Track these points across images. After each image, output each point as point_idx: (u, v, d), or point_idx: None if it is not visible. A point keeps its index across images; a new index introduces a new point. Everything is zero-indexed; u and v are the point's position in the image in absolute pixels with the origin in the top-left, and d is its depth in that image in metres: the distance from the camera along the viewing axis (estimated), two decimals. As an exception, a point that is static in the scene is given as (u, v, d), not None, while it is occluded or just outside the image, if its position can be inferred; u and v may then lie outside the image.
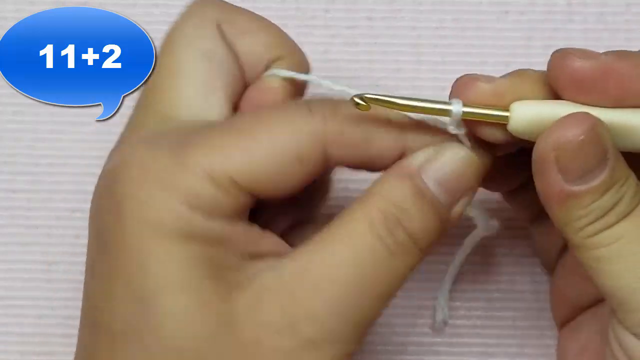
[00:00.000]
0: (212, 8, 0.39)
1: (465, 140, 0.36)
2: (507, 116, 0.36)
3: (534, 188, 0.36)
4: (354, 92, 0.36)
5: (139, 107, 0.39)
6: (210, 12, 0.39)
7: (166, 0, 0.49)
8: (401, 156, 0.37)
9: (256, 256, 0.36)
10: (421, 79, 0.49)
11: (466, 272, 0.47)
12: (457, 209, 0.37)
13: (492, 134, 0.36)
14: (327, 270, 0.35)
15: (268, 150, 0.35)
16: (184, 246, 0.34)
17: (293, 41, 0.40)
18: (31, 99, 0.48)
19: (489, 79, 0.36)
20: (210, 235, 0.35)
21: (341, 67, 0.48)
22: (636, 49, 0.49)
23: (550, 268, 0.43)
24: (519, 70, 0.37)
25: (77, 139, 0.48)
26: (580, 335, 0.41)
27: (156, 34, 0.49)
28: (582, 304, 0.41)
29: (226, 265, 0.35)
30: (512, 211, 0.47)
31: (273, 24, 0.40)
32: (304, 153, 0.36)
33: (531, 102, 0.36)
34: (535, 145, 0.35)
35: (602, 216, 0.35)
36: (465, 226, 0.44)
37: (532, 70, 0.37)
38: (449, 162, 0.36)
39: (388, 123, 0.36)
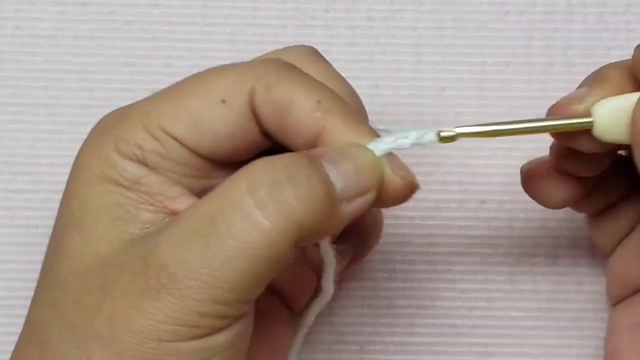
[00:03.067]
0: (294, 52, 0.40)
1: (385, 149, 0.35)
2: (590, 121, 0.36)
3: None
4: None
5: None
6: (288, 55, 0.39)
7: (166, 0, 0.49)
8: (316, 139, 0.35)
9: (172, 214, 0.36)
10: (421, 79, 0.49)
11: (466, 272, 0.47)
12: (350, 206, 0.35)
13: (583, 144, 0.37)
14: (187, 218, 0.34)
15: (194, 97, 0.36)
16: (100, 187, 0.36)
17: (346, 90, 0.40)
18: (31, 98, 0.48)
19: (578, 98, 0.37)
20: (127, 177, 0.36)
21: (341, 67, 0.48)
22: (636, 49, 0.49)
23: (608, 250, 0.43)
24: (599, 73, 0.37)
25: (77, 139, 0.48)
26: (636, 311, 0.42)
27: (156, 34, 0.49)
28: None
29: (135, 215, 0.36)
30: (513, 211, 0.47)
31: (333, 80, 0.39)
32: (228, 95, 0.36)
33: (609, 99, 0.36)
34: (632, 118, 0.35)
35: None
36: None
37: (610, 67, 0.37)
38: (353, 156, 0.35)
39: (316, 101, 0.36)
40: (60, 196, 0.46)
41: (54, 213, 0.48)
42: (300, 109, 0.35)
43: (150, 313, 0.33)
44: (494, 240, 0.47)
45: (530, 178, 0.41)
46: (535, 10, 0.49)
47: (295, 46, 0.40)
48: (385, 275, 0.47)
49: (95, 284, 0.35)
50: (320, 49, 0.48)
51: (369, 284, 0.47)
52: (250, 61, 0.37)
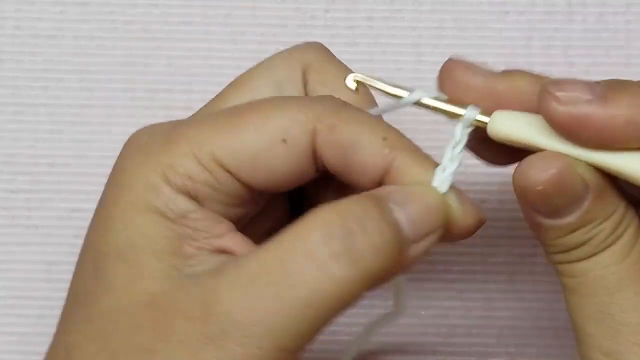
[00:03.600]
0: (309, 51, 0.39)
1: (450, 187, 0.36)
2: (486, 122, 0.36)
3: None
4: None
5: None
6: (304, 55, 0.39)
7: (166, 0, 0.49)
8: (382, 176, 0.36)
9: (217, 251, 0.35)
10: (421, 79, 0.49)
11: (466, 272, 0.47)
12: (418, 247, 0.34)
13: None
14: (254, 266, 0.33)
15: (252, 130, 0.35)
16: (146, 218, 0.35)
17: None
18: (31, 98, 0.49)
19: (477, 70, 0.36)
20: (173, 210, 0.35)
21: (341, 67, 0.48)
22: (636, 49, 0.49)
23: None
24: (512, 72, 0.37)
25: (77, 139, 0.48)
26: None
27: (156, 34, 0.49)
28: None
29: (179, 249, 0.35)
30: (513, 211, 0.47)
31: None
32: (289, 135, 0.35)
33: (512, 115, 0.35)
34: (513, 172, 0.35)
35: (569, 250, 0.35)
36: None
37: (523, 78, 0.37)
38: (421, 198, 0.35)
39: (382, 138, 0.36)
40: (60, 196, 0.46)
41: (54, 213, 0.48)
42: (366, 148, 0.35)
43: None
44: (494, 240, 0.47)
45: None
46: (535, 10, 0.49)
47: (307, 45, 0.40)
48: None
49: (146, 324, 0.33)
50: (320, 49, 0.49)
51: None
52: (309, 97, 0.37)
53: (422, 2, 0.49)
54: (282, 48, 0.40)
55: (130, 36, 0.49)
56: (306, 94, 0.39)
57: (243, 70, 0.47)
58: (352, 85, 0.37)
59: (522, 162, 0.34)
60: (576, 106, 0.34)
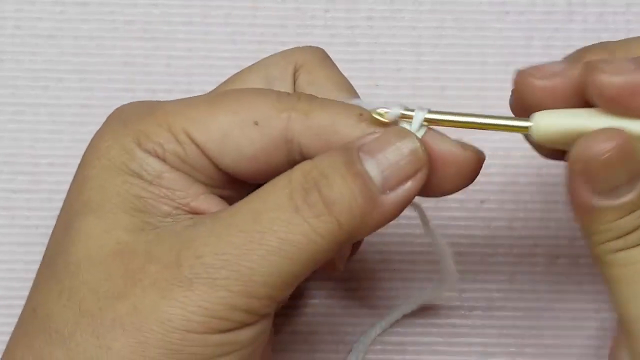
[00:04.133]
0: (304, 53, 0.40)
1: (422, 130, 0.36)
2: (528, 126, 0.35)
3: None
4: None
5: None
6: (298, 55, 0.40)
7: (166, 0, 0.49)
8: None
9: (193, 211, 0.36)
10: (421, 79, 0.49)
11: (466, 272, 0.47)
12: (393, 196, 0.35)
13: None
14: (225, 217, 0.34)
15: (227, 112, 0.36)
16: (119, 177, 0.36)
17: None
18: (31, 98, 0.49)
19: (547, 72, 0.36)
20: (148, 171, 0.36)
21: (341, 67, 0.48)
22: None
23: None
24: (578, 57, 0.37)
25: (78, 139, 0.48)
26: None
27: (156, 34, 0.49)
28: None
29: (154, 207, 0.36)
30: (513, 211, 0.47)
31: (348, 88, 0.40)
32: (262, 118, 0.36)
33: (555, 113, 0.35)
34: (569, 152, 0.35)
35: (624, 235, 0.34)
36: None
37: (587, 53, 0.37)
38: (391, 143, 0.35)
39: (357, 114, 0.36)
40: (61, 196, 0.46)
41: (54, 213, 0.48)
42: (345, 126, 0.36)
43: (180, 302, 0.33)
44: (494, 240, 0.47)
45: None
46: (535, 10, 0.49)
47: (305, 48, 0.41)
48: (385, 275, 0.47)
49: (116, 272, 0.34)
50: (320, 49, 0.49)
51: (369, 284, 0.47)
52: (285, 92, 0.37)
53: (422, 2, 0.49)
54: (282, 48, 0.40)
55: (130, 36, 0.49)
56: (295, 90, 0.39)
57: (243, 71, 0.47)
58: (382, 118, 0.37)
59: (583, 137, 0.34)
60: (627, 75, 0.34)
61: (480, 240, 0.47)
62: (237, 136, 0.36)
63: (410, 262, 0.47)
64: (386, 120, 0.36)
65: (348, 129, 0.36)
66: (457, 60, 0.49)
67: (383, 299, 0.47)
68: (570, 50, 0.48)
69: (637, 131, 0.34)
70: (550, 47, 0.49)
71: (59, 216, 0.37)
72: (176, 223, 0.35)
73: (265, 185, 0.35)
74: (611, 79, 0.34)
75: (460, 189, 0.37)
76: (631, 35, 0.49)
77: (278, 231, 0.34)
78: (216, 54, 0.49)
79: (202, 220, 0.35)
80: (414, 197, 0.36)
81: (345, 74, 0.46)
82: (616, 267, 0.35)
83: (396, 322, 0.46)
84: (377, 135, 0.35)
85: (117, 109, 0.38)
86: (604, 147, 0.34)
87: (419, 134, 0.36)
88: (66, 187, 0.43)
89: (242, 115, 0.36)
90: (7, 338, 0.46)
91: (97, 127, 0.44)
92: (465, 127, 0.37)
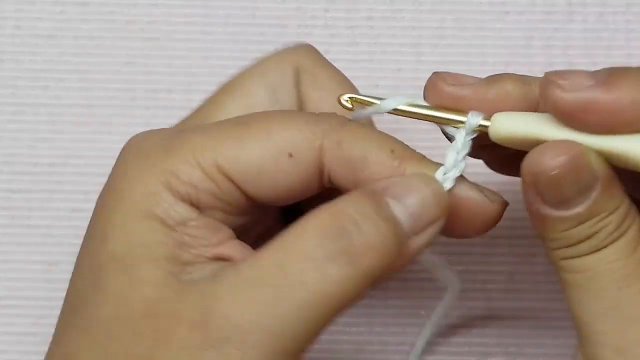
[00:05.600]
0: (301, 54, 0.40)
1: (450, 177, 0.36)
2: (487, 126, 0.36)
3: None
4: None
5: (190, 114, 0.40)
6: (296, 57, 0.39)
7: (166, 0, 0.49)
8: None
9: (215, 258, 0.35)
10: (421, 79, 0.48)
11: (466, 272, 0.47)
12: (419, 239, 0.35)
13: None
14: (252, 269, 0.33)
15: (259, 143, 0.35)
16: (144, 224, 0.34)
17: None
18: (31, 98, 0.49)
19: (459, 81, 0.36)
20: (173, 217, 0.35)
21: (341, 67, 0.48)
22: (636, 49, 0.49)
23: None
24: (499, 76, 0.37)
25: (78, 139, 0.48)
26: None
27: (156, 34, 0.49)
28: None
29: (178, 256, 0.34)
30: (513, 211, 0.47)
31: (350, 85, 0.40)
32: (296, 150, 0.35)
33: (514, 115, 0.35)
34: (521, 166, 0.35)
35: (575, 244, 0.34)
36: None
37: (509, 80, 0.37)
38: (417, 188, 0.35)
39: (390, 151, 0.36)
40: (60, 196, 0.46)
41: (54, 213, 0.48)
42: (376, 162, 0.35)
43: None
44: (494, 240, 0.47)
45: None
46: (535, 10, 0.49)
47: (298, 48, 0.40)
48: (385, 275, 0.47)
49: (146, 333, 0.33)
50: (320, 49, 0.49)
51: (369, 284, 0.47)
52: (315, 114, 0.37)
53: (422, 2, 0.49)
54: (282, 48, 0.40)
55: (130, 36, 0.49)
56: (299, 98, 0.39)
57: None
58: (347, 104, 0.37)
59: (534, 150, 0.34)
60: (581, 92, 0.33)
61: (480, 240, 0.47)
62: (273, 170, 0.35)
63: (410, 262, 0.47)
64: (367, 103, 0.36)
65: (379, 166, 0.35)
66: (457, 60, 0.49)
67: (383, 299, 0.47)
68: (570, 51, 0.49)
69: (592, 143, 0.34)
70: (550, 47, 0.49)
71: (82, 259, 0.36)
72: (199, 275, 0.34)
73: (289, 231, 0.34)
74: (564, 95, 0.34)
75: (481, 234, 0.37)
76: (631, 35, 0.49)
77: (307, 283, 0.32)
78: (216, 54, 0.49)
79: (224, 272, 0.34)
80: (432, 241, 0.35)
81: (345, 74, 0.47)
82: (568, 273, 0.35)
83: (395, 324, 0.46)
84: (403, 178, 0.35)
85: (133, 140, 0.37)
86: (553, 164, 0.34)
87: (448, 184, 0.36)
88: (66, 187, 0.43)
89: (276, 147, 0.35)
90: (7, 338, 0.47)
91: (97, 127, 0.44)
92: (420, 119, 0.37)
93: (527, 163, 0.34)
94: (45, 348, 0.36)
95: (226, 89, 0.39)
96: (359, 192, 0.34)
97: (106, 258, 0.35)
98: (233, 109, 0.39)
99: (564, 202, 0.34)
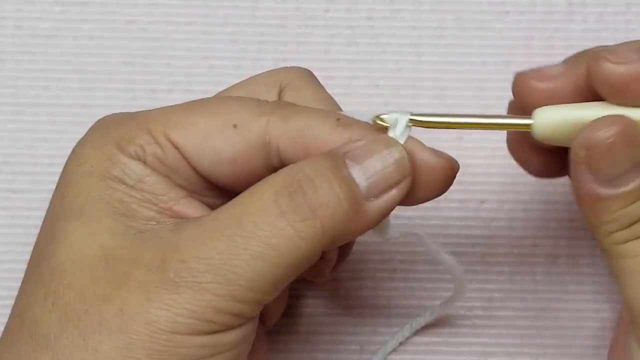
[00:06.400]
0: (290, 72, 0.40)
1: (405, 138, 0.36)
2: (529, 124, 0.36)
3: None
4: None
5: None
6: (284, 74, 0.40)
7: (166, 0, 0.49)
8: None
9: (176, 214, 0.36)
10: (421, 79, 0.49)
11: (466, 272, 0.47)
12: (378, 203, 0.35)
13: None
14: (209, 221, 0.35)
15: (206, 114, 0.36)
16: (101, 182, 0.36)
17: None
18: (31, 98, 0.48)
19: (547, 74, 0.36)
20: (130, 175, 0.36)
21: (341, 67, 0.48)
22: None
23: None
24: (577, 60, 0.37)
25: (77, 139, 0.48)
26: None
27: (156, 34, 0.49)
28: None
29: (136, 211, 0.36)
30: (513, 211, 0.47)
31: (332, 104, 0.40)
32: (241, 121, 0.36)
33: (556, 108, 0.36)
34: (573, 143, 0.35)
35: (629, 226, 0.34)
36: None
37: (585, 57, 0.37)
38: (378, 151, 0.35)
39: (335, 120, 0.36)
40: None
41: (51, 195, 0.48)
42: (323, 131, 0.36)
43: (166, 305, 0.33)
44: (494, 240, 0.47)
45: (512, 146, 0.41)
46: (535, 10, 0.49)
47: (292, 68, 0.41)
48: (385, 275, 0.47)
49: (101, 275, 0.34)
50: (320, 49, 0.49)
51: (369, 283, 0.47)
52: (264, 100, 0.38)
53: (422, 2, 0.49)
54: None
55: (130, 36, 0.49)
56: None
57: (243, 70, 0.48)
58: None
59: (587, 125, 0.34)
60: (629, 64, 0.34)
61: (480, 240, 0.47)
62: (216, 139, 0.36)
63: (410, 262, 0.47)
64: (388, 125, 0.36)
65: (326, 133, 0.36)
66: (457, 60, 0.49)
67: (383, 299, 0.47)
68: (570, 51, 0.48)
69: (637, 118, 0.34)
70: (550, 47, 0.49)
71: (43, 221, 0.38)
72: (160, 227, 0.36)
73: (248, 189, 0.35)
74: (616, 67, 0.34)
75: (433, 198, 0.37)
76: (631, 35, 0.49)
77: (262, 236, 0.34)
78: (216, 54, 0.49)
79: (185, 224, 0.35)
80: (396, 205, 0.36)
81: (345, 74, 0.47)
82: (623, 259, 0.35)
83: (394, 321, 0.46)
84: (363, 142, 0.36)
85: (100, 119, 0.39)
86: (607, 134, 0.34)
87: (401, 140, 0.36)
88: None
89: (222, 119, 0.36)
90: (7, 338, 0.46)
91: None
92: (466, 128, 0.37)
93: (582, 137, 0.34)
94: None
95: (215, 98, 0.40)
96: (319, 154, 0.35)
97: (63, 211, 0.36)
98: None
99: (618, 178, 0.34)
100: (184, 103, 0.38)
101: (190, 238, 0.34)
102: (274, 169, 0.36)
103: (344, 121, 0.36)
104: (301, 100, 0.39)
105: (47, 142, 0.48)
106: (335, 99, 0.40)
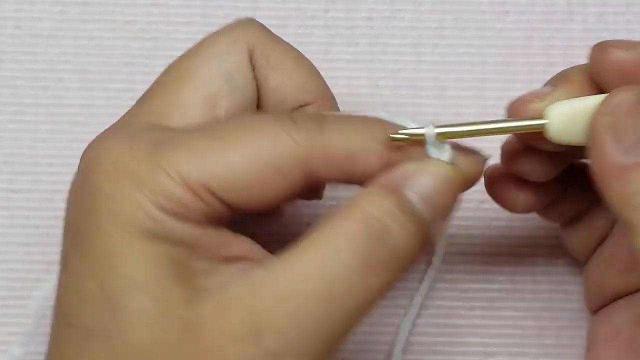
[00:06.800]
0: (251, 32, 0.39)
1: (450, 152, 0.36)
2: (543, 123, 0.36)
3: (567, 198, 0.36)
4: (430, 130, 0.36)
5: (135, 105, 0.38)
6: (247, 36, 0.38)
7: (166, 0, 0.49)
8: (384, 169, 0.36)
9: (229, 260, 0.35)
10: (421, 79, 0.49)
11: (466, 272, 0.47)
12: (438, 225, 0.35)
13: (542, 143, 0.37)
14: (296, 281, 0.33)
15: (246, 161, 0.34)
16: (152, 246, 0.34)
17: (325, 85, 0.40)
18: (31, 98, 0.48)
19: (540, 96, 0.37)
20: (179, 237, 0.34)
21: (341, 67, 0.48)
22: (636, 49, 0.49)
23: (584, 258, 0.43)
24: (563, 74, 0.37)
25: (78, 138, 0.48)
26: (613, 320, 0.41)
27: (156, 34, 0.49)
28: (617, 292, 0.41)
29: (195, 268, 0.34)
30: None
31: (307, 63, 0.39)
32: (284, 166, 0.34)
33: (564, 102, 0.36)
34: (595, 115, 0.35)
35: None
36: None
37: (575, 69, 0.37)
38: (433, 176, 0.35)
39: (376, 142, 0.35)
40: (60, 196, 0.46)
41: (54, 213, 0.47)
42: (364, 155, 0.35)
43: None
44: (494, 240, 0.47)
45: (493, 182, 0.41)
46: (535, 10, 0.49)
47: (245, 25, 0.39)
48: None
49: (187, 352, 0.33)
50: (320, 48, 0.49)
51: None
52: (287, 116, 0.36)
53: (422, 2, 0.49)
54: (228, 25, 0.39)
55: (130, 36, 0.49)
56: (255, 79, 0.38)
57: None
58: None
59: (607, 97, 0.34)
60: (638, 49, 0.35)
61: (480, 240, 0.47)
62: (260, 186, 0.34)
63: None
64: (411, 139, 0.36)
65: (370, 160, 0.35)
66: (457, 60, 0.49)
67: (383, 299, 0.47)
68: (570, 51, 0.49)
69: None
70: (550, 47, 0.49)
71: (90, 287, 0.34)
72: (224, 279, 0.34)
73: (319, 240, 0.34)
74: (625, 53, 0.35)
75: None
76: (631, 35, 0.49)
77: (353, 293, 0.34)
78: (216, 54, 0.49)
79: (257, 275, 0.34)
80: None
81: (345, 74, 0.47)
82: None
83: (395, 321, 0.46)
84: (415, 167, 0.35)
85: (104, 152, 0.35)
86: (630, 94, 0.34)
87: (446, 157, 0.36)
88: (66, 187, 0.43)
89: (261, 161, 0.34)
90: (7, 338, 0.46)
91: (97, 127, 0.43)
92: (482, 135, 0.37)
93: (602, 106, 0.34)
94: (45, 348, 0.36)
95: (179, 75, 0.38)
96: (377, 188, 0.35)
97: (119, 282, 0.34)
98: (192, 102, 0.37)
99: None
100: (209, 133, 0.35)
101: (275, 299, 0.33)
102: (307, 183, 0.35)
103: (381, 139, 0.35)
104: (275, 64, 0.38)
105: (47, 142, 0.48)
106: (336, 99, 0.40)
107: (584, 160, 0.40)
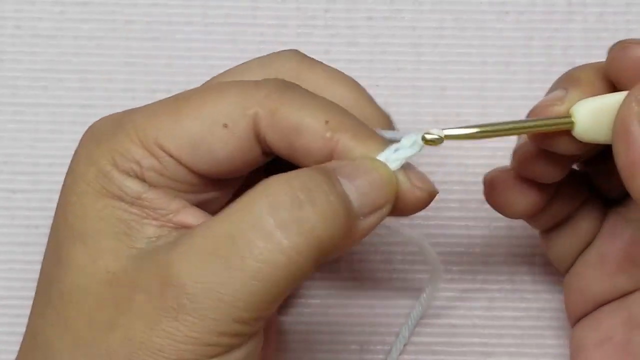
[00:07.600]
0: (285, 60, 0.39)
1: (401, 163, 0.36)
2: (571, 121, 0.36)
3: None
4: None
5: (146, 105, 0.40)
6: (280, 64, 0.39)
7: (166, 0, 0.49)
8: (327, 159, 0.35)
9: (178, 227, 0.36)
10: (421, 79, 0.49)
11: (466, 272, 0.47)
12: (366, 222, 0.35)
13: (561, 145, 0.37)
14: (205, 240, 0.34)
15: (195, 116, 0.36)
16: (100, 201, 0.36)
17: (371, 103, 0.40)
18: (31, 98, 0.48)
19: (559, 99, 0.37)
20: (130, 195, 0.36)
21: (341, 67, 0.48)
22: (636, 49, 0.49)
23: (565, 267, 0.43)
24: (570, 75, 0.37)
25: (77, 139, 0.48)
26: (602, 326, 0.41)
27: (156, 34, 0.49)
28: (604, 298, 0.41)
29: (138, 229, 0.35)
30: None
31: (346, 81, 0.40)
32: (230, 120, 0.35)
33: (589, 100, 0.36)
34: (617, 113, 0.35)
35: None
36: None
37: (582, 69, 0.37)
38: (369, 170, 0.35)
39: (324, 122, 0.35)
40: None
41: (54, 213, 0.48)
42: (308, 132, 0.35)
43: (169, 333, 0.33)
44: (494, 240, 0.47)
45: (493, 187, 0.41)
46: (535, 10, 0.49)
47: (282, 53, 0.40)
48: (385, 275, 0.47)
49: (107, 301, 0.34)
50: (320, 49, 0.49)
51: (369, 283, 0.47)
52: (251, 82, 0.37)
53: (422, 2, 0.49)
54: (282, 48, 0.40)
55: (130, 36, 0.49)
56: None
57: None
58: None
59: (634, 89, 0.35)
60: None
61: (480, 240, 0.47)
62: (209, 142, 0.36)
63: (410, 262, 0.47)
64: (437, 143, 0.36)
65: (312, 136, 0.35)
66: (457, 60, 0.49)
67: (383, 299, 0.47)
68: (570, 51, 0.49)
69: None
70: (550, 47, 0.49)
71: (49, 241, 0.37)
72: (160, 244, 0.35)
73: (240, 200, 0.34)
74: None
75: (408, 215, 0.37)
76: (631, 35, 0.49)
77: (257, 255, 0.33)
78: (216, 54, 0.49)
79: (181, 240, 0.34)
80: (379, 224, 0.35)
81: (345, 74, 0.46)
82: None
83: (394, 321, 0.46)
84: (352, 161, 0.35)
85: (89, 127, 0.38)
86: None
87: (395, 164, 0.35)
88: (66, 187, 0.43)
89: (210, 119, 0.36)
90: (7, 338, 0.47)
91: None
92: (508, 135, 0.37)
93: (630, 94, 0.34)
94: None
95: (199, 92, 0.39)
96: (312, 167, 0.35)
97: (67, 233, 0.36)
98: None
99: None
100: (168, 101, 0.37)
101: (185, 258, 0.34)
102: (269, 157, 0.36)
103: (333, 124, 0.35)
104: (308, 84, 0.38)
105: (47, 142, 0.48)
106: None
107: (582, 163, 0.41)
